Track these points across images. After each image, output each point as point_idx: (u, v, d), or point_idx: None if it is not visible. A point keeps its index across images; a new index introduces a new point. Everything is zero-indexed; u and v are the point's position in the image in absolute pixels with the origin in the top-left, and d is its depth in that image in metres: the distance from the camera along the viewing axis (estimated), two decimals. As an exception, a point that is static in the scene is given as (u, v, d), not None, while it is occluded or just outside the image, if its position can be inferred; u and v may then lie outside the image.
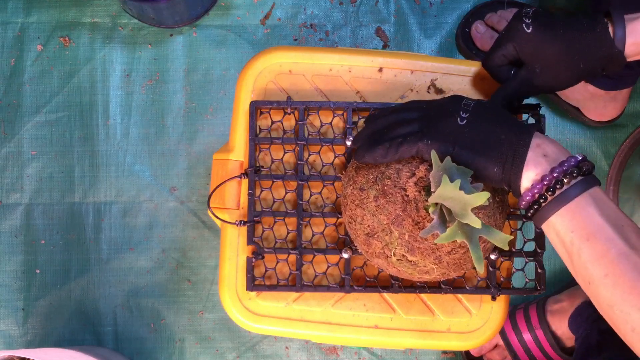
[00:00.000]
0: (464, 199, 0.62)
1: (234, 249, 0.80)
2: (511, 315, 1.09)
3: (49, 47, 1.19)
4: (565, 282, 1.16)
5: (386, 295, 0.80)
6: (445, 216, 0.64)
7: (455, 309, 0.80)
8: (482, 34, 1.14)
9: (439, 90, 0.81)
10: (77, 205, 1.17)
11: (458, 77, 0.82)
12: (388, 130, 0.67)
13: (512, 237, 0.66)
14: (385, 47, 1.20)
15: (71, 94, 1.18)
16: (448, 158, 0.63)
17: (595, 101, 1.12)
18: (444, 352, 1.17)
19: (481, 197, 0.61)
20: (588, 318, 0.98)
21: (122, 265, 1.16)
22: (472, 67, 0.82)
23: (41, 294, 1.16)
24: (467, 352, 1.14)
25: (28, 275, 1.16)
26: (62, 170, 1.17)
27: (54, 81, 1.18)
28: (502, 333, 1.08)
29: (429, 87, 0.80)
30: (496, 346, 1.10)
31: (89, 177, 1.17)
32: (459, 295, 0.80)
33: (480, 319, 0.80)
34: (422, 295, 0.80)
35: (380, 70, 0.82)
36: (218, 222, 0.82)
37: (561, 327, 1.05)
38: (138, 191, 1.17)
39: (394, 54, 0.83)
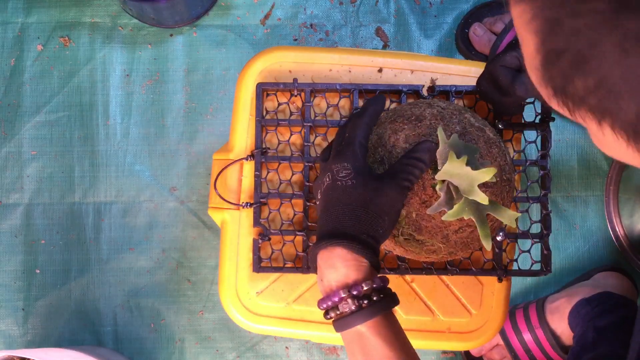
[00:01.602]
0: (470, 175, 0.62)
1: (234, 248, 0.80)
2: (511, 315, 1.09)
3: (49, 47, 1.19)
4: (564, 282, 1.16)
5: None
6: (453, 193, 0.64)
7: (455, 309, 0.80)
8: (480, 37, 1.14)
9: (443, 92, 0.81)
10: (77, 205, 1.17)
11: (458, 77, 0.82)
12: None
13: (519, 214, 0.65)
14: (385, 47, 1.20)
15: (71, 94, 1.18)
16: (455, 135, 0.64)
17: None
18: (444, 352, 1.17)
19: (488, 173, 0.61)
20: (585, 316, 0.98)
21: (122, 265, 1.16)
22: (472, 67, 0.82)
23: (41, 294, 1.16)
24: (467, 352, 1.14)
25: (28, 275, 1.16)
26: (62, 170, 1.17)
27: (54, 81, 1.18)
28: (502, 333, 1.08)
29: (429, 88, 0.80)
30: (496, 346, 1.10)
31: (89, 177, 1.17)
32: (459, 295, 0.80)
33: (480, 319, 0.80)
34: (422, 295, 0.80)
35: (380, 70, 0.82)
36: (218, 220, 0.82)
37: (561, 326, 1.05)
38: (138, 191, 1.17)
39: (394, 54, 0.83)
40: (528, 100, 0.79)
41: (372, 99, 0.71)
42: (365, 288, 0.60)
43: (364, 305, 0.60)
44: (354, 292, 0.60)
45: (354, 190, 0.62)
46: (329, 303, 0.61)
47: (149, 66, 1.19)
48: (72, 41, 1.19)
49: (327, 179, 0.64)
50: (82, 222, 1.17)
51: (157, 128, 1.18)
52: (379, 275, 0.62)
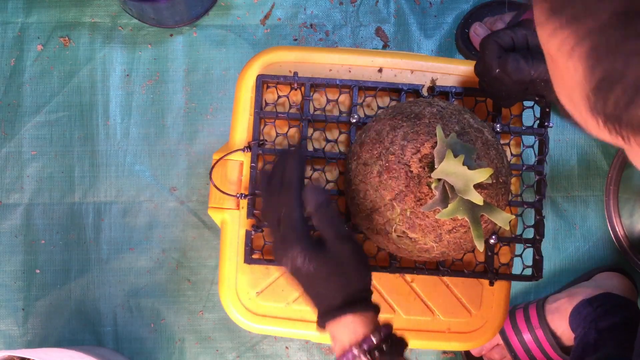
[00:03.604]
0: (466, 175, 0.62)
1: (234, 248, 0.80)
2: (511, 315, 1.09)
3: (49, 47, 1.19)
4: (564, 282, 1.16)
5: (386, 295, 0.80)
6: (448, 192, 0.64)
7: (455, 309, 0.80)
8: (480, 37, 1.14)
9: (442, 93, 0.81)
10: (77, 205, 1.17)
11: (458, 77, 0.82)
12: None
13: (513, 216, 0.66)
14: (385, 47, 1.20)
15: (71, 94, 1.18)
16: (453, 134, 0.64)
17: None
18: (444, 352, 1.17)
19: (484, 173, 0.62)
20: (586, 317, 0.98)
21: (122, 265, 1.16)
22: (472, 67, 0.82)
23: (41, 294, 1.16)
24: (467, 352, 1.14)
25: (28, 275, 1.16)
26: (62, 170, 1.17)
27: (54, 81, 1.18)
28: (502, 333, 1.08)
29: (429, 88, 0.80)
30: (496, 346, 1.10)
31: (89, 177, 1.17)
32: (459, 295, 0.80)
33: (480, 319, 0.80)
34: (422, 295, 0.80)
35: (380, 70, 0.82)
36: (218, 220, 0.82)
37: (561, 326, 1.05)
38: (138, 191, 1.17)
39: (394, 54, 0.83)
40: (527, 104, 0.79)
41: (282, 156, 0.71)
42: (374, 340, 0.65)
43: (376, 357, 0.65)
44: (365, 347, 0.65)
45: (320, 275, 0.66)
46: None
47: (149, 66, 1.19)
48: (72, 41, 1.19)
49: (290, 263, 0.67)
50: (82, 222, 1.17)
51: (157, 128, 1.18)
52: (382, 324, 0.67)
